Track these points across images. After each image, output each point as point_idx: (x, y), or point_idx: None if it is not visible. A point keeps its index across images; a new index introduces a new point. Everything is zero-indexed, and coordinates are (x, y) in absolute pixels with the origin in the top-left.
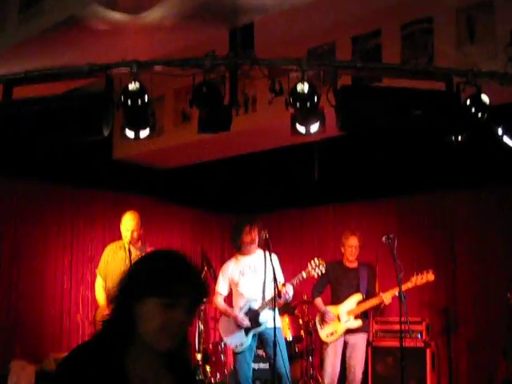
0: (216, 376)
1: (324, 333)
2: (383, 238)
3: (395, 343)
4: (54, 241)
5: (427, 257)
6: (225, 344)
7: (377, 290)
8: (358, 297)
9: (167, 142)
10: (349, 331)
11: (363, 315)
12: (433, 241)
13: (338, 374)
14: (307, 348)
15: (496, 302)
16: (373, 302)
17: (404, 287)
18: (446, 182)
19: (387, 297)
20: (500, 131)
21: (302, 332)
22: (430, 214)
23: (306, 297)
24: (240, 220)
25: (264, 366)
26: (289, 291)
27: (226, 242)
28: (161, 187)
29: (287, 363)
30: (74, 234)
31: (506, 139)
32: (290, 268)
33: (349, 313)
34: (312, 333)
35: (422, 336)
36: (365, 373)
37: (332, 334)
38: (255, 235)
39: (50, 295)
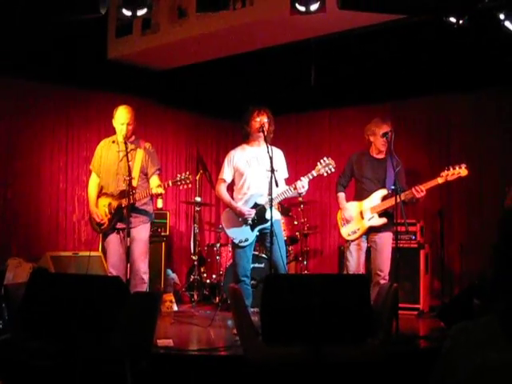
0: (212, 277)
1: (346, 231)
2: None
3: None
4: (50, 141)
5: (422, 160)
6: (225, 241)
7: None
8: (382, 192)
9: (163, 39)
10: (373, 230)
11: (389, 212)
12: (428, 145)
13: (363, 272)
14: (302, 250)
15: (490, 207)
16: (403, 196)
17: (433, 183)
18: (442, 85)
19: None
20: (502, 16)
21: (297, 234)
22: (426, 117)
23: (301, 199)
24: (250, 107)
25: (260, 265)
26: (304, 185)
27: (221, 148)
28: (157, 89)
29: (285, 256)
30: (69, 135)
31: (507, 24)
32: None
33: (373, 209)
34: (307, 235)
35: (416, 237)
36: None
37: (354, 232)
38: (263, 122)
39: (45, 195)
